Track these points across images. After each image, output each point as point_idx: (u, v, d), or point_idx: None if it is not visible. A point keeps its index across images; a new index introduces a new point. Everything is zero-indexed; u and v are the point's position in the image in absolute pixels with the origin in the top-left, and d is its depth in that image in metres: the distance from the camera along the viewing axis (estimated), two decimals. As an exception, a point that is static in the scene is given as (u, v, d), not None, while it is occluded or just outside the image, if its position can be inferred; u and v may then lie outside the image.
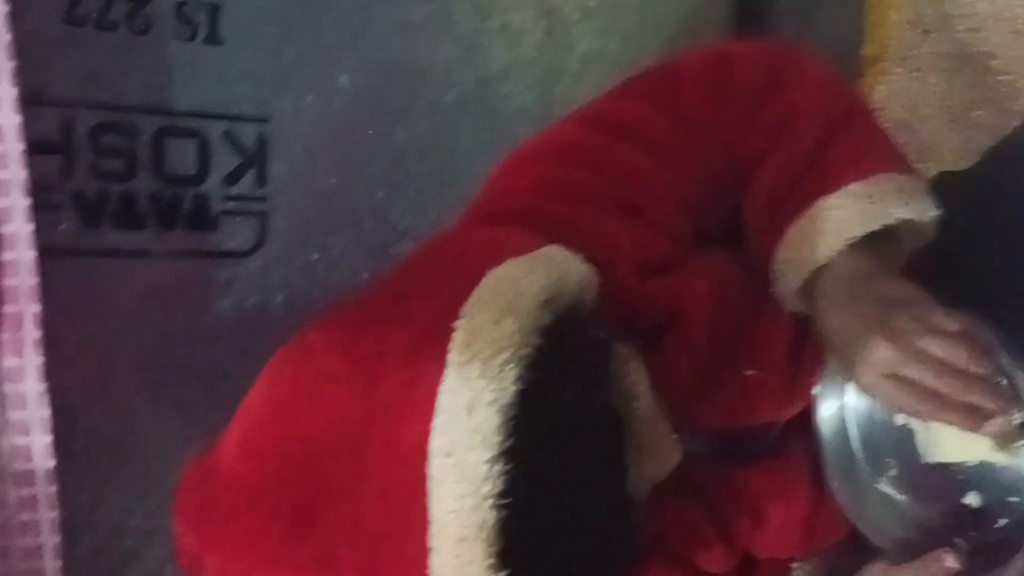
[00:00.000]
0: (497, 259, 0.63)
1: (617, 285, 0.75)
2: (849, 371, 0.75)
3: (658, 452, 0.71)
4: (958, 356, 0.70)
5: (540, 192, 0.79)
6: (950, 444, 0.78)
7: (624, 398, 0.67)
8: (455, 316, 0.59)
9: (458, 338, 0.57)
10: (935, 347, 0.70)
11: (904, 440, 0.84)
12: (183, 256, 0.98)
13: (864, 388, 0.74)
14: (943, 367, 0.69)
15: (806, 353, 0.85)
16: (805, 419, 0.87)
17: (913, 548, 0.79)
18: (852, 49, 1.19)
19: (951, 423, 0.70)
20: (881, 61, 1.15)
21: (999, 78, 1.04)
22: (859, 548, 0.87)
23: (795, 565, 0.92)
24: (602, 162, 0.82)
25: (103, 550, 0.95)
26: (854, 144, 0.81)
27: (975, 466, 0.79)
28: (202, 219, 0.99)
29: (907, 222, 0.77)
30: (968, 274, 0.89)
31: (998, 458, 0.76)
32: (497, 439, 0.54)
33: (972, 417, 0.68)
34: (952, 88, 1.08)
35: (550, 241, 0.68)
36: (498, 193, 0.83)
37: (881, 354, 0.70)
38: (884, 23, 1.14)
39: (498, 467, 0.54)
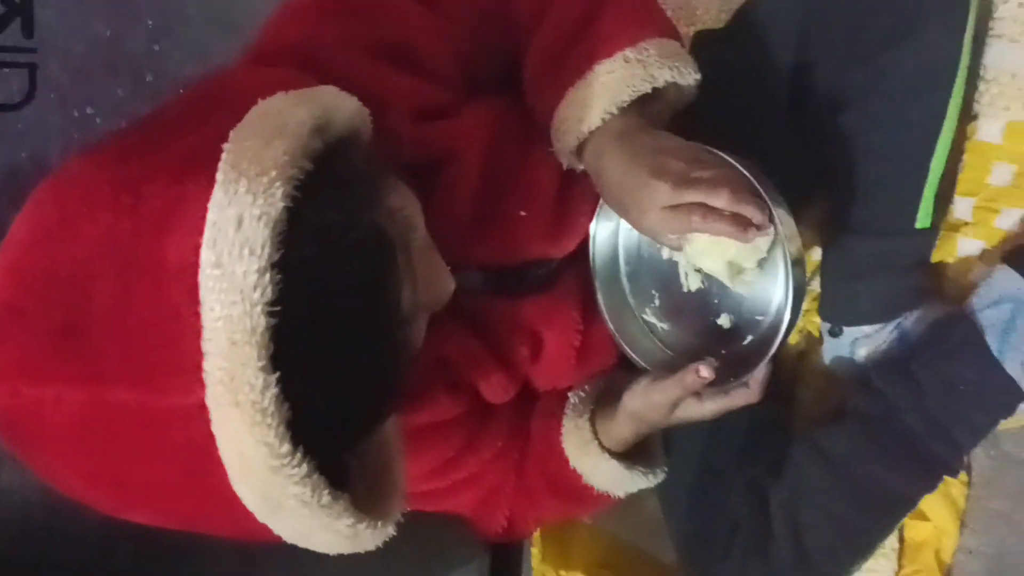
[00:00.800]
0: (267, 93, 0.64)
1: (392, 126, 0.77)
2: (632, 216, 0.81)
3: (433, 282, 0.75)
4: (727, 176, 0.77)
5: (313, 38, 0.80)
6: (711, 264, 0.84)
7: (400, 229, 0.70)
8: (224, 140, 0.60)
9: (226, 159, 0.58)
10: (705, 173, 0.77)
11: (668, 272, 0.92)
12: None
13: (648, 228, 0.80)
14: (715, 186, 0.76)
15: (574, 197, 0.92)
16: (577, 256, 0.94)
17: (672, 367, 0.88)
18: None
19: (725, 234, 0.77)
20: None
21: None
22: (626, 372, 0.97)
23: (571, 392, 1.00)
24: (374, 11, 0.83)
25: None
26: (625, 9, 0.85)
27: (729, 290, 0.87)
28: (-33, 69, 0.95)
29: (672, 84, 0.83)
30: (722, 121, 0.97)
31: (752, 278, 0.85)
32: (266, 251, 0.56)
33: (743, 226, 0.76)
34: (714, -46, 1.15)
35: (322, 83, 0.70)
36: (272, 38, 0.83)
37: (659, 192, 0.77)
38: None
39: (267, 277, 0.56)
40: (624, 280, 0.96)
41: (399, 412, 0.76)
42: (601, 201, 0.92)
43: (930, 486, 0.93)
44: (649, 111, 0.85)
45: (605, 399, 0.98)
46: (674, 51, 0.84)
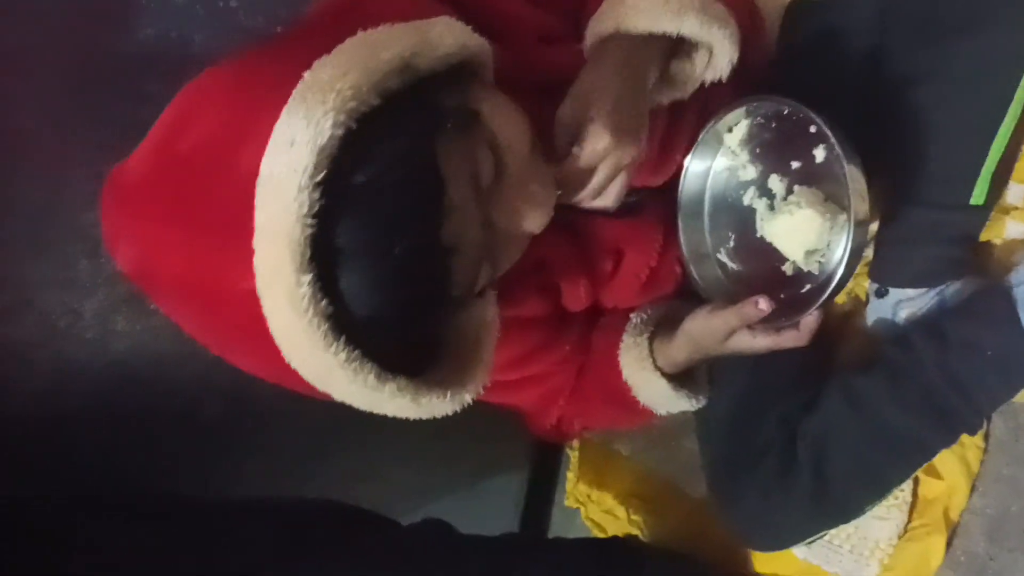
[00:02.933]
0: (377, 21, 0.72)
1: (521, 50, 0.87)
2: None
3: (517, 214, 0.80)
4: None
5: None
6: (788, 246, 0.96)
7: (498, 150, 0.78)
8: (308, 67, 0.69)
9: (301, 86, 0.67)
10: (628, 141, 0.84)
11: (746, 217, 1.01)
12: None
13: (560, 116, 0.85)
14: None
15: (674, 138, 1.01)
16: (666, 187, 1.03)
17: (733, 301, 0.97)
18: None
19: None
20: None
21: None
22: (687, 303, 1.05)
23: (633, 314, 1.09)
24: None
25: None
26: None
27: None
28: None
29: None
30: (804, 85, 1.04)
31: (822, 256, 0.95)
32: (307, 172, 0.65)
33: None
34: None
35: (457, 13, 0.78)
36: None
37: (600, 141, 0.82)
38: None
39: (306, 194, 0.65)
40: (706, 219, 1.04)
41: (496, 303, 0.86)
42: (697, 143, 1.00)
43: (946, 439, 1.01)
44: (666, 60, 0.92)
45: (664, 324, 1.07)
46: (722, 17, 0.90)
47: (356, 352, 0.70)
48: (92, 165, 0.92)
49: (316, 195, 0.65)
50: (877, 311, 1.08)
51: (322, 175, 0.65)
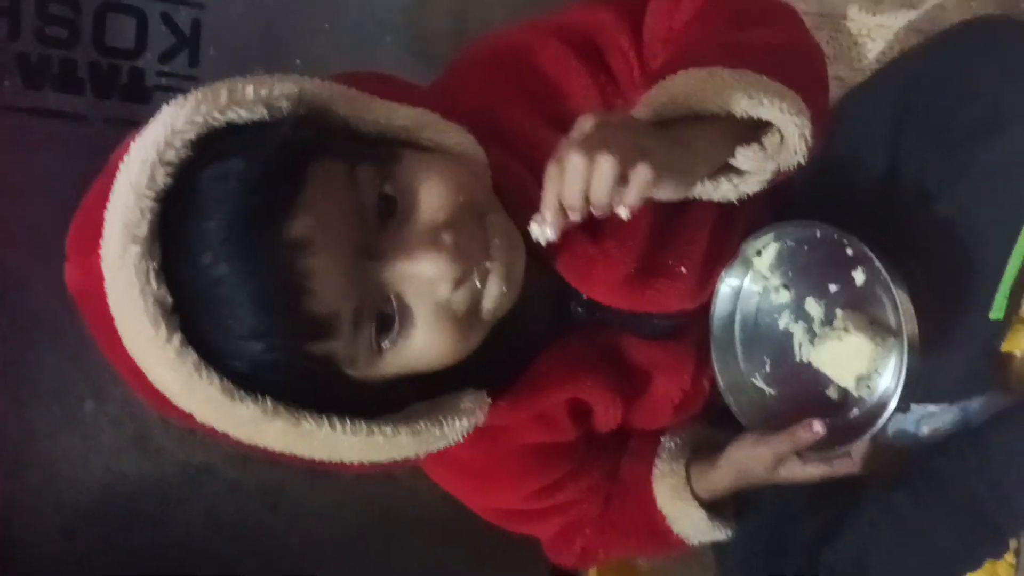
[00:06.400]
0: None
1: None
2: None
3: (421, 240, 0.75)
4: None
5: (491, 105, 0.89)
6: (839, 373, 0.92)
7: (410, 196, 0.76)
8: None
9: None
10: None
11: (781, 341, 0.97)
12: (118, 123, 1.05)
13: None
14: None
15: (720, 257, 0.97)
16: (700, 309, 0.99)
17: (777, 427, 0.93)
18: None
19: None
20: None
21: (852, 39, 1.20)
22: (721, 427, 1.02)
23: (664, 438, 1.05)
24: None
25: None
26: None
27: None
28: (137, 91, 1.06)
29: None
30: (818, 200, 1.04)
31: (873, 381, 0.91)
32: (159, 147, 0.67)
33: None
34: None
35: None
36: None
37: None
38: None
39: (153, 167, 0.67)
40: (738, 344, 1.00)
41: None
42: (725, 270, 0.98)
43: (993, 552, 0.98)
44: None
45: (700, 450, 1.03)
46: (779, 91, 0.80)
47: (179, 336, 0.68)
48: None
49: (164, 170, 0.67)
50: (898, 423, 1.06)
51: (173, 155, 0.67)
